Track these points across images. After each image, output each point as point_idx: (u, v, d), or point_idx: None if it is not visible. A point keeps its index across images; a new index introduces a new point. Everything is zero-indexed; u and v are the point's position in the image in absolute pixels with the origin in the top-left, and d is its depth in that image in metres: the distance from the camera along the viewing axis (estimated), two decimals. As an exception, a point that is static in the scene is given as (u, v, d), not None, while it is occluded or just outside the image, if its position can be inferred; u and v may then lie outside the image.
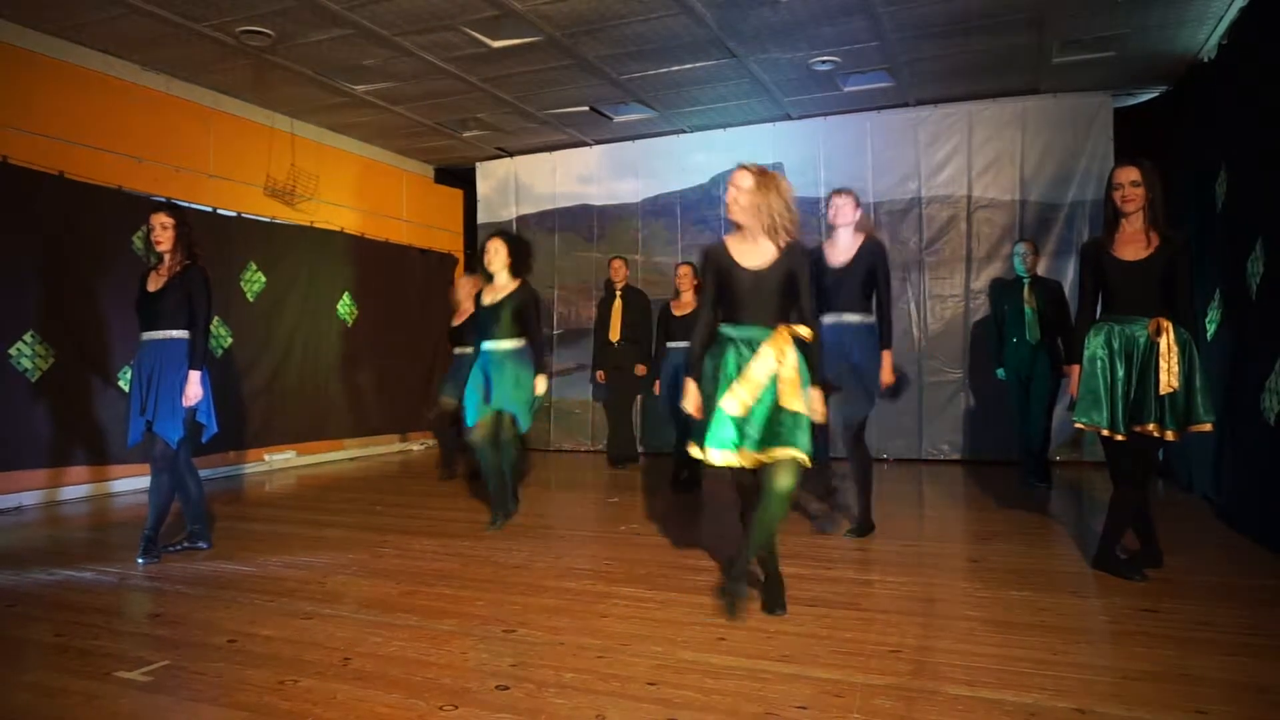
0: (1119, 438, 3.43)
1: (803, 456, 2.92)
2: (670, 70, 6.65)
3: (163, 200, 5.46)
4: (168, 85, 6.61)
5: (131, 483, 6.03)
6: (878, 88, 7.10)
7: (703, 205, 8.34)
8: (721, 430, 2.99)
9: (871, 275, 4.22)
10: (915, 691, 2.38)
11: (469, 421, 4.65)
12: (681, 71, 6.67)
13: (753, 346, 3.00)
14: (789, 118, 7.91)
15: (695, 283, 6.22)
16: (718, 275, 3.12)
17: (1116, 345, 3.44)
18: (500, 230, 4.92)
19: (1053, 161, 7.21)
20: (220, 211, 6.98)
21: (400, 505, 5.60)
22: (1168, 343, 3.32)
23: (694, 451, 3.06)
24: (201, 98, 6.89)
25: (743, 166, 3.09)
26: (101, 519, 5.27)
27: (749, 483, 3.15)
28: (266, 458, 7.44)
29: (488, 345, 4.64)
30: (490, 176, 9.42)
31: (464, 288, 6.58)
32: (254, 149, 7.36)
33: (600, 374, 7.44)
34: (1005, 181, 7.34)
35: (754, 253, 3.08)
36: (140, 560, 3.93)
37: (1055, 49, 6.19)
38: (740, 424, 2.98)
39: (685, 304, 6.21)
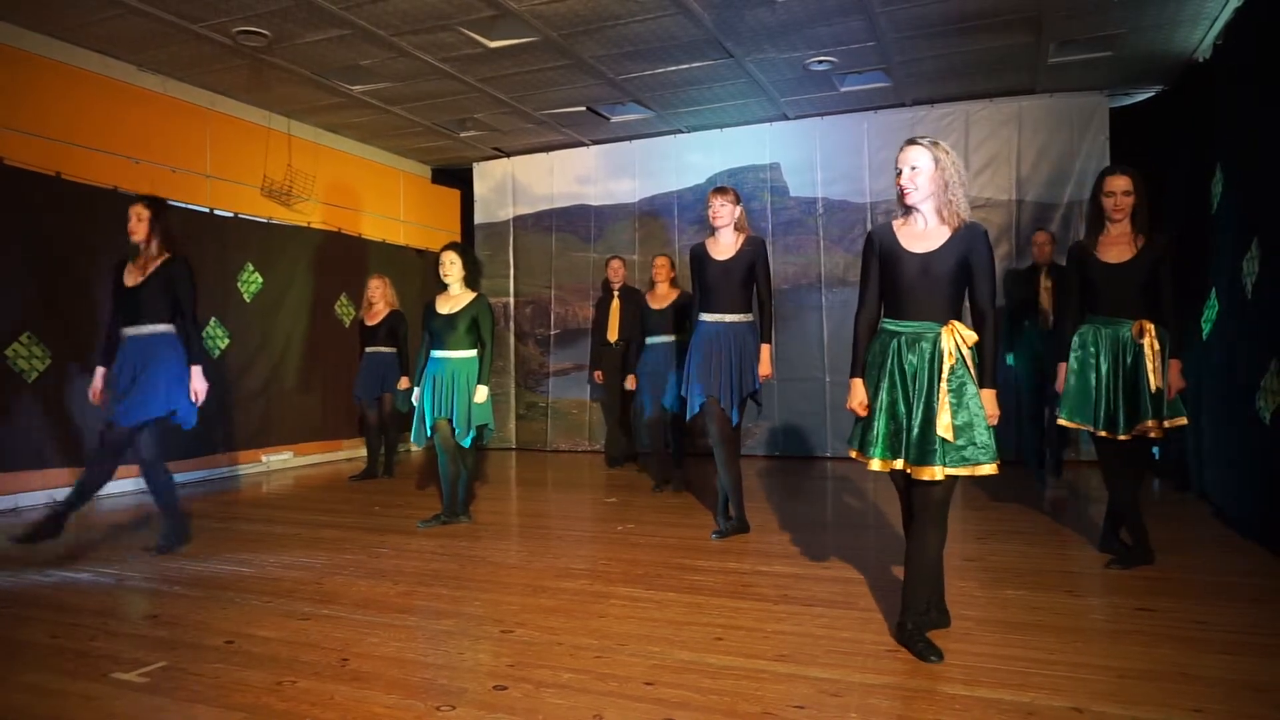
0: (1122, 437, 3.50)
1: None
2: (667, 70, 6.65)
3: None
4: (164, 86, 6.60)
5: (127, 484, 6.01)
6: (874, 88, 7.10)
7: (700, 205, 8.34)
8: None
9: (751, 272, 4.35)
10: (912, 691, 2.38)
11: (416, 436, 4.76)
12: (678, 72, 6.67)
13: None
14: (785, 118, 7.91)
15: (671, 274, 6.16)
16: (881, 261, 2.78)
17: (1103, 346, 3.55)
18: (454, 242, 4.98)
19: (1049, 161, 7.21)
20: (217, 212, 6.97)
21: (397, 506, 5.59)
22: (1151, 343, 3.44)
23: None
24: (198, 98, 6.88)
25: (912, 142, 2.73)
26: (98, 520, 5.26)
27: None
28: (264, 458, 7.43)
29: (440, 354, 4.75)
30: (487, 177, 9.42)
31: (376, 289, 6.75)
32: (251, 149, 7.35)
33: (598, 374, 7.44)
34: (1002, 181, 7.35)
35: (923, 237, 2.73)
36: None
37: (1051, 49, 6.20)
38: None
39: (660, 296, 6.06)
